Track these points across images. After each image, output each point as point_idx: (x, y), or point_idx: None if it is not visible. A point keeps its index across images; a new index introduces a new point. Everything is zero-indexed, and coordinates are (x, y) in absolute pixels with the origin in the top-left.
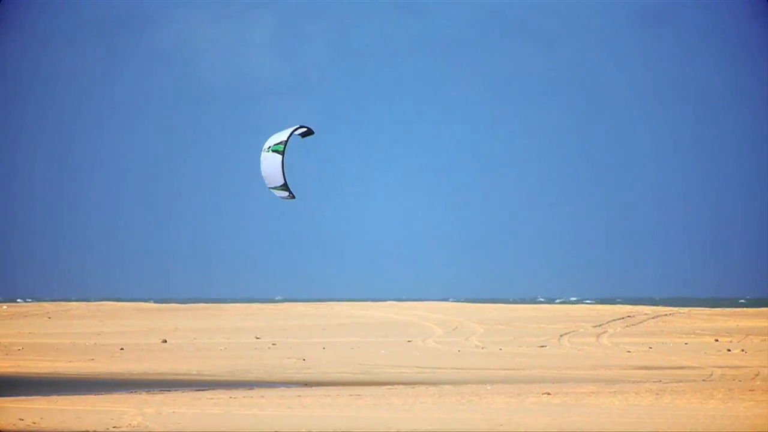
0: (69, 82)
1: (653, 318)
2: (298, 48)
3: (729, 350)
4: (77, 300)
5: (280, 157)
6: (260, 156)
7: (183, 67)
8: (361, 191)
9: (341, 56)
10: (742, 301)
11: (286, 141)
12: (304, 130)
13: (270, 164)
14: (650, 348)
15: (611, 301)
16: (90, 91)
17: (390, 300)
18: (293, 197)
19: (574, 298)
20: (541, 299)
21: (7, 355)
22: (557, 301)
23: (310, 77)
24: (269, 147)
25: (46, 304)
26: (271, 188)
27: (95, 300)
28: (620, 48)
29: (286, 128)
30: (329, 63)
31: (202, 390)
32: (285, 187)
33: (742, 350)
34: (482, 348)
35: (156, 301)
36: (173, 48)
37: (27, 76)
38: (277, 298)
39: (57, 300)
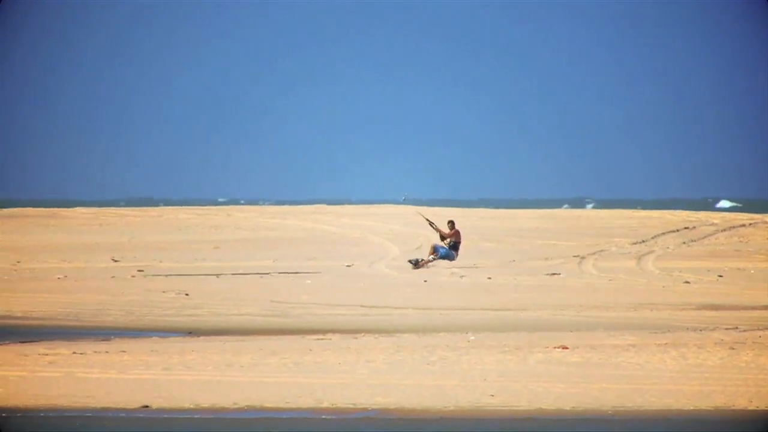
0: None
1: (723, 231)
2: None
3: None
4: None
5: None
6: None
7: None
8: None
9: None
10: None
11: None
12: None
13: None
14: (720, 277)
15: (652, 205)
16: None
17: (318, 203)
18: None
19: (589, 202)
20: (540, 200)
21: None
22: (564, 206)
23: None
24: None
25: None
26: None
27: None
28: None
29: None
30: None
31: (31, 342)
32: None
33: None
34: (461, 277)
35: None
36: None
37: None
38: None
39: None
